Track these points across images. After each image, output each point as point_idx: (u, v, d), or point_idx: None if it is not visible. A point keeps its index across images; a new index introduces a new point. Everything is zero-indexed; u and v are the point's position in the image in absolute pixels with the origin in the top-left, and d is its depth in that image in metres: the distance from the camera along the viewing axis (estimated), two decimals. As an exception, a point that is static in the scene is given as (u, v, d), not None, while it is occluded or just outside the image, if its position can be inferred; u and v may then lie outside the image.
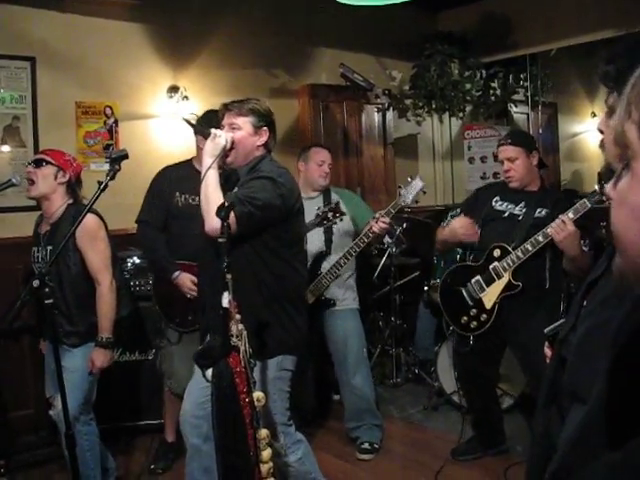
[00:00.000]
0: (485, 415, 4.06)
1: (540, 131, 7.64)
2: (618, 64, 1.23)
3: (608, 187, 1.05)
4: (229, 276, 2.32)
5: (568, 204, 3.40)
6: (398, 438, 4.48)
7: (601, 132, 1.30)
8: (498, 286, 3.60)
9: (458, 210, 3.94)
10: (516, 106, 7.31)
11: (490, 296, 3.63)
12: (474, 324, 3.70)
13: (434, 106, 6.40)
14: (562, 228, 3.29)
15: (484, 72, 6.66)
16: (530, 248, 3.47)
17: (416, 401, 5.01)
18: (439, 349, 4.80)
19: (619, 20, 5.46)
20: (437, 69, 6.20)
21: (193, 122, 3.33)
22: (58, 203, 3.34)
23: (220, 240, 2.40)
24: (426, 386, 5.15)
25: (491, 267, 3.61)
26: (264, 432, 2.40)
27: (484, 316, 3.65)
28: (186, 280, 3.72)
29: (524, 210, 3.62)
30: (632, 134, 0.93)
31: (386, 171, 6.31)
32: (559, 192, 3.95)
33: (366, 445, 4.18)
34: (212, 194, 2.75)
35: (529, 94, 7.28)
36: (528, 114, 7.61)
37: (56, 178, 3.32)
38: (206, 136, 2.90)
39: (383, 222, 3.87)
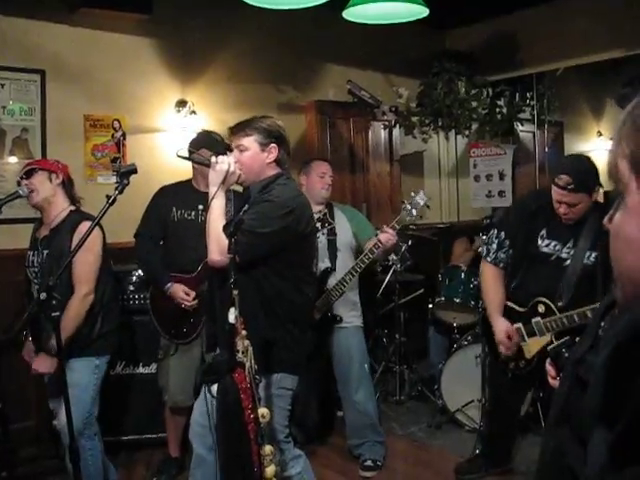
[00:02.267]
0: (499, 438, 3.99)
1: (546, 150, 7.65)
2: (635, 86, 1.24)
3: (605, 219, 1.08)
4: (235, 292, 2.32)
5: None
6: (401, 456, 4.45)
7: None
8: (539, 342, 3.39)
9: (503, 235, 3.51)
10: (522, 124, 7.31)
11: (530, 348, 3.43)
12: (512, 365, 3.54)
13: (440, 124, 6.41)
14: None
15: (491, 90, 6.67)
16: (577, 320, 3.19)
17: (419, 419, 4.99)
18: (443, 367, 4.78)
19: (626, 40, 5.47)
20: (444, 87, 6.22)
21: (187, 154, 3.28)
22: (60, 207, 3.37)
23: (228, 256, 2.41)
24: (430, 404, 5.13)
25: (534, 321, 3.40)
26: (268, 448, 2.39)
27: (523, 362, 3.49)
28: (178, 290, 3.80)
29: (572, 252, 3.30)
30: (623, 168, 0.98)
31: (392, 188, 6.32)
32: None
33: (369, 462, 4.16)
34: (212, 226, 2.75)
35: (535, 113, 7.29)
36: (534, 133, 7.63)
37: (51, 181, 3.36)
38: (207, 166, 2.89)
39: (387, 232, 3.87)
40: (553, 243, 3.36)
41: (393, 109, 6.26)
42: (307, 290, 2.97)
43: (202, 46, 5.35)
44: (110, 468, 3.60)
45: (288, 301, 2.84)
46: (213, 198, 2.80)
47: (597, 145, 8.70)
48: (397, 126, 6.35)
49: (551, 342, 3.33)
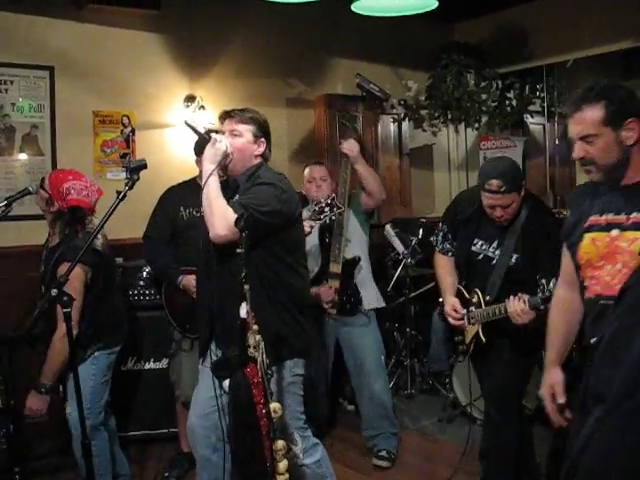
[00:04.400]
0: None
1: (556, 142, 7.61)
2: None
3: None
4: (247, 287, 2.31)
5: (537, 244, 3.22)
6: (412, 450, 4.45)
7: None
8: (471, 330, 3.49)
9: (445, 228, 3.62)
10: (532, 117, 7.28)
11: (468, 334, 3.53)
12: (460, 348, 3.63)
13: (450, 116, 6.39)
14: (520, 314, 3.10)
15: (500, 83, 6.63)
16: (497, 313, 3.28)
17: (430, 413, 4.99)
18: (455, 361, 4.76)
19: (636, 31, 5.43)
20: (453, 79, 6.19)
21: (195, 127, 3.26)
22: (55, 228, 3.35)
23: (238, 251, 2.40)
24: (441, 397, 5.12)
25: (470, 309, 3.49)
26: (281, 443, 2.39)
27: (464, 347, 3.59)
28: (191, 280, 3.78)
29: (497, 252, 3.38)
30: None
31: (402, 181, 6.30)
32: (537, 216, 3.38)
33: (383, 452, 4.17)
34: (215, 202, 2.73)
35: (545, 105, 7.25)
36: (544, 125, 7.59)
37: (47, 204, 3.34)
38: (206, 141, 2.86)
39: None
40: (480, 242, 3.46)
41: (402, 102, 6.24)
42: (304, 273, 3.04)
43: (210, 41, 5.34)
44: (122, 462, 3.62)
45: (288, 284, 2.87)
46: (210, 175, 2.78)
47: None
48: (406, 119, 6.33)
49: (477, 332, 3.42)
